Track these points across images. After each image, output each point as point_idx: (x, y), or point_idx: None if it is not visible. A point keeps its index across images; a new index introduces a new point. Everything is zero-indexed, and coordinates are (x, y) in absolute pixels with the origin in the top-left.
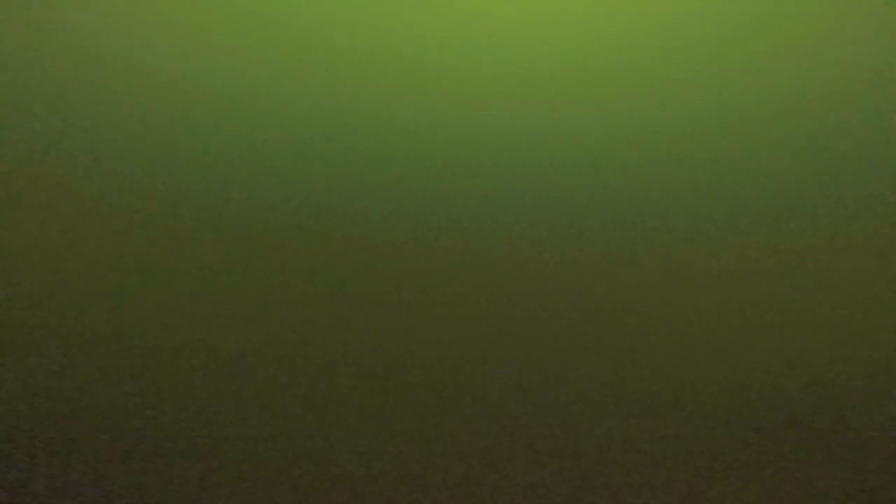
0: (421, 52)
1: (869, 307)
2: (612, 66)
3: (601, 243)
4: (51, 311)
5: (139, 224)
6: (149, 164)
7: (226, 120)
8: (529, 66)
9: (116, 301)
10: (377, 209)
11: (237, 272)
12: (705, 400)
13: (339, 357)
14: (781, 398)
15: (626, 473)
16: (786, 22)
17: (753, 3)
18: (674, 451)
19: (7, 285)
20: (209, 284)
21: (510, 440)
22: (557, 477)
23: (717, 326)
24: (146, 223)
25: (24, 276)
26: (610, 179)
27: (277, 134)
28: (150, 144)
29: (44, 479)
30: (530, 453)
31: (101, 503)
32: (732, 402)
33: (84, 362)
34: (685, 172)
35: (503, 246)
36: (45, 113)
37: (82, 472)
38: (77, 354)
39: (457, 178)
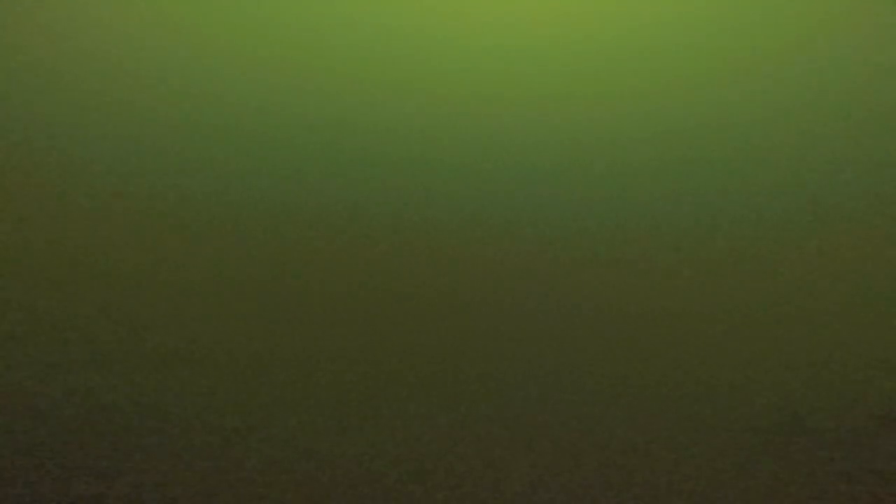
0: (421, 52)
1: (868, 307)
2: (613, 67)
3: (601, 244)
4: (52, 313)
5: (138, 224)
6: (149, 164)
7: (226, 120)
8: (529, 66)
9: (116, 302)
10: (376, 209)
11: (236, 273)
12: (705, 400)
13: (338, 358)
14: (781, 398)
15: (626, 473)
16: (786, 22)
17: (753, 4)
18: (674, 451)
19: (8, 286)
20: (209, 285)
21: (510, 440)
22: (557, 477)
23: (717, 326)
24: (146, 223)
25: (25, 276)
26: (609, 180)
27: (277, 134)
28: (150, 145)
29: (44, 478)
30: (530, 453)
31: (102, 502)
32: (732, 402)
33: (84, 363)
34: (685, 172)
35: (503, 247)
36: (45, 114)
37: (83, 471)
38: (77, 355)
39: (456, 179)
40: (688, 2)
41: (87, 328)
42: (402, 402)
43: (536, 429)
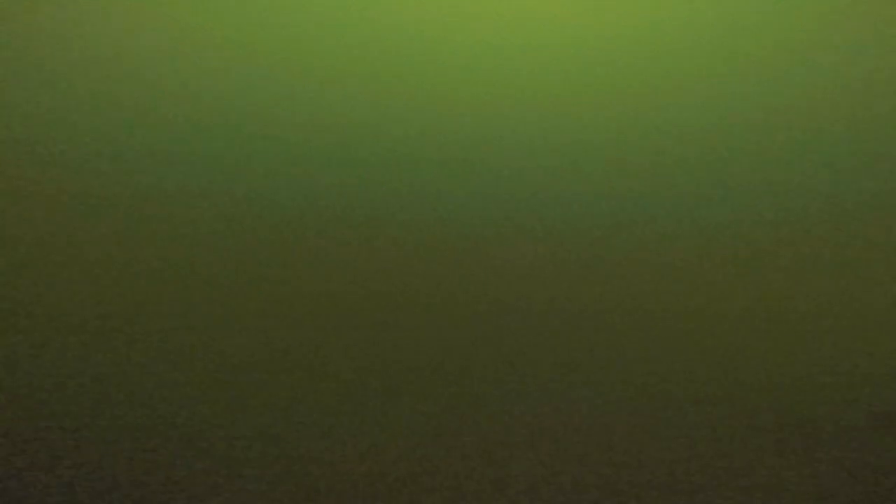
0: (421, 52)
1: (869, 307)
2: (613, 67)
3: (602, 244)
4: (53, 314)
5: (138, 224)
6: (150, 164)
7: (226, 120)
8: (529, 66)
9: (117, 302)
10: (375, 209)
11: (236, 273)
12: (705, 400)
13: (339, 358)
14: (781, 398)
15: (626, 473)
16: (786, 22)
17: (753, 4)
18: (674, 451)
19: (9, 286)
20: (209, 286)
21: (510, 440)
22: (557, 477)
23: (716, 326)
24: (145, 222)
25: (26, 277)
26: (610, 180)
27: (277, 134)
28: (150, 146)
29: (44, 477)
30: (530, 453)
31: (102, 502)
32: (732, 402)
33: (85, 363)
34: (685, 172)
35: (503, 246)
36: (46, 114)
37: (83, 471)
38: (79, 356)
39: (456, 179)
40: (688, 2)
41: (86, 328)
42: (403, 401)
43: (537, 429)
